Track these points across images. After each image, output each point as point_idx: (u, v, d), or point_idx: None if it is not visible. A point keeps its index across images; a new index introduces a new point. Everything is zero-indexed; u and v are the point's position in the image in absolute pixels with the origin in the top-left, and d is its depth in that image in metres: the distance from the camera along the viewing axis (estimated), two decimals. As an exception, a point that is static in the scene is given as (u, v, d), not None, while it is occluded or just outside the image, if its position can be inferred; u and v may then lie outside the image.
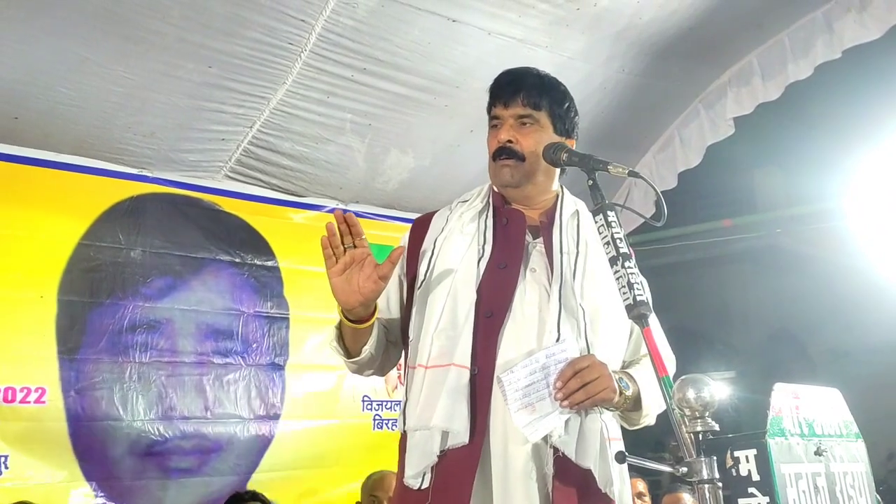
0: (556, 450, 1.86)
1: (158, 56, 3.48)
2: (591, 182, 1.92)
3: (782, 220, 6.54)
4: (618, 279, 1.78)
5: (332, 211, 4.63)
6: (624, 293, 1.76)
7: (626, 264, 1.78)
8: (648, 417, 2.03)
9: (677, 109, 4.90)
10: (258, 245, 4.33)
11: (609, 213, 1.85)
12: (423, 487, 1.92)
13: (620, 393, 1.92)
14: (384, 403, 4.65)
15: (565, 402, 1.84)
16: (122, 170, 3.99)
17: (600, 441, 1.90)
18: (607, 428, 1.94)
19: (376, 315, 2.01)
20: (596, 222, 1.88)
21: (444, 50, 3.82)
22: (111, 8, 3.22)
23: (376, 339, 2.06)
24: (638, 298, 1.74)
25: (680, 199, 3.88)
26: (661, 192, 1.99)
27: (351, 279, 1.92)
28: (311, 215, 4.56)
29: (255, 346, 4.25)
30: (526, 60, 2.30)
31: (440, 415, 1.88)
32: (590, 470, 1.85)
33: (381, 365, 2.15)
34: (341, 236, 1.93)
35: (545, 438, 1.87)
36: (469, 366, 1.91)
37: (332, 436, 4.44)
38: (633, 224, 4.26)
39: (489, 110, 2.17)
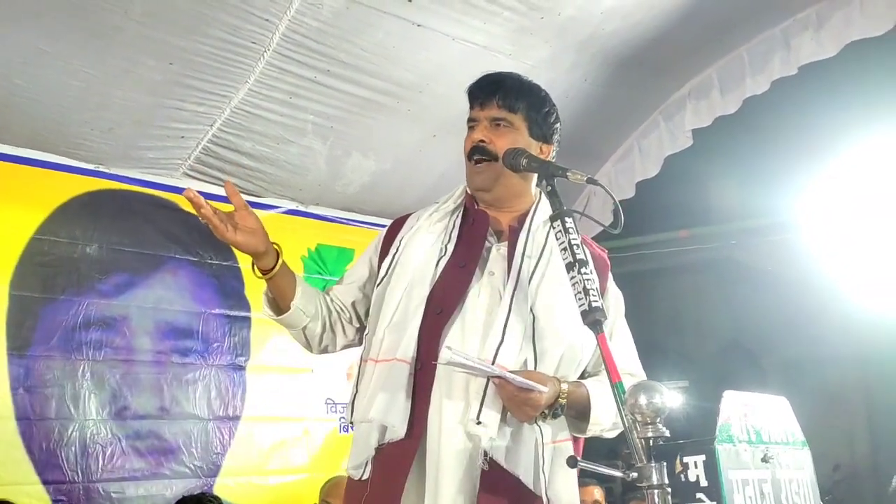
0: (486, 453, 1.86)
1: (119, 51, 3.44)
2: (549, 188, 1.94)
3: (737, 233, 6.61)
4: (574, 285, 1.80)
5: (289, 212, 4.61)
6: (579, 299, 1.77)
7: (583, 270, 1.79)
8: (598, 428, 1.99)
9: (637, 120, 4.95)
10: (217, 244, 4.24)
11: (567, 219, 1.87)
12: (363, 479, 1.95)
13: (544, 414, 1.90)
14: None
15: (495, 379, 1.83)
16: (79, 165, 3.93)
17: (534, 447, 1.89)
18: (542, 433, 1.91)
19: (280, 259, 2.07)
20: (553, 228, 1.90)
21: (408, 54, 3.82)
22: (71, 0, 3.18)
23: (307, 299, 2.10)
24: (593, 304, 1.75)
25: (637, 209, 3.92)
26: (620, 201, 2.03)
27: (245, 225, 2.03)
28: (270, 215, 4.52)
29: (215, 345, 4.20)
30: (490, 67, 2.31)
31: (378, 408, 1.91)
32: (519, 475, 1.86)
33: (322, 336, 2.17)
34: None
35: (477, 441, 1.86)
36: (411, 361, 1.93)
37: (297, 439, 4.40)
38: (591, 233, 4.28)
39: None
